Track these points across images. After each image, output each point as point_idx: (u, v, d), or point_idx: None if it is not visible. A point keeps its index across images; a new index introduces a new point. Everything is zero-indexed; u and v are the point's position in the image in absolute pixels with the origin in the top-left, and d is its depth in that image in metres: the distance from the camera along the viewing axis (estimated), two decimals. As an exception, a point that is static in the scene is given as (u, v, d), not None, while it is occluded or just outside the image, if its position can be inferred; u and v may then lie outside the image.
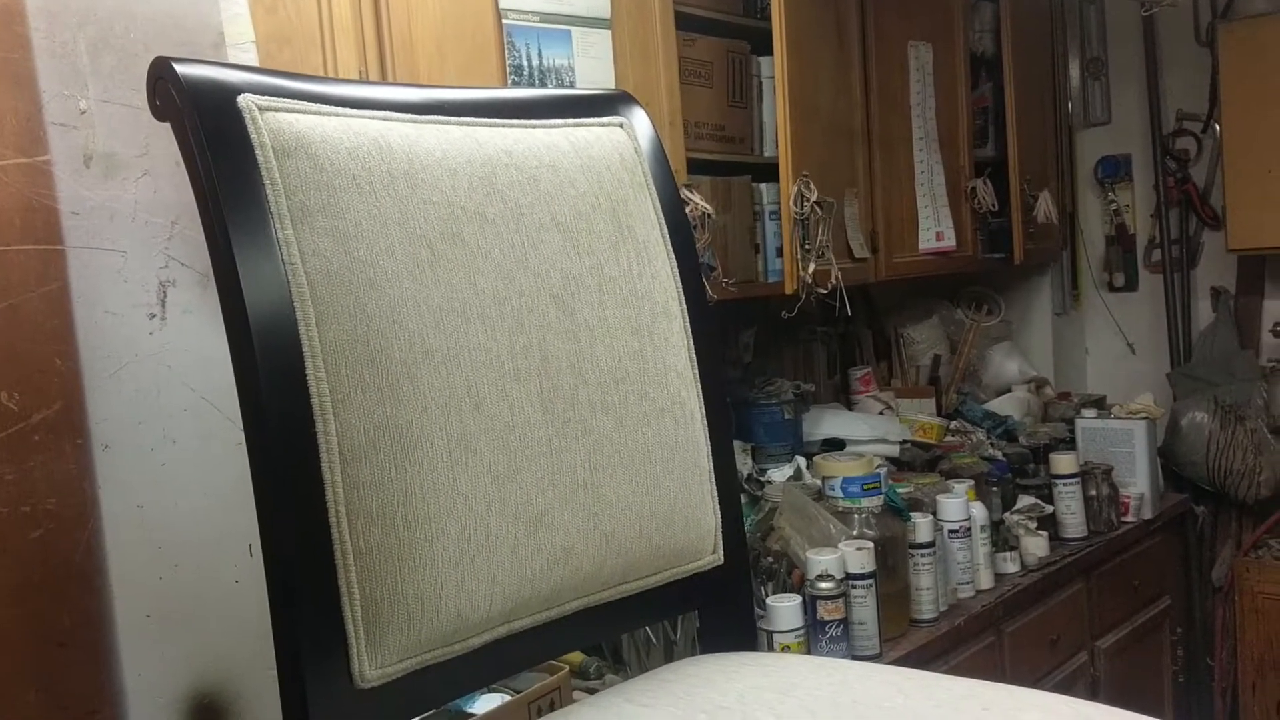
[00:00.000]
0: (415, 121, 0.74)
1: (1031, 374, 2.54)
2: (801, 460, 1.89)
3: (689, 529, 0.82)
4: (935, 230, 2.15)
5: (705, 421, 0.85)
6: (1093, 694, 1.98)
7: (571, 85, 1.43)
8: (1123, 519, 2.12)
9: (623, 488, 0.77)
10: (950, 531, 1.71)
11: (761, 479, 1.83)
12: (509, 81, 1.37)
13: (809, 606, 1.45)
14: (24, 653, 0.87)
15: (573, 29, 1.45)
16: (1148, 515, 2.16)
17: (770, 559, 1.56)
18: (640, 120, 0.90)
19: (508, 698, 1.15)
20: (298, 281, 0.65)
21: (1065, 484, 2.01)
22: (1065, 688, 1.89)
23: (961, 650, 1.66)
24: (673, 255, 0.86)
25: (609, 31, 1.48)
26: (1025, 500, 1.97)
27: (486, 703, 1.15)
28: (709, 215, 1.58)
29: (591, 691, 1.22)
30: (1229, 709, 2.43)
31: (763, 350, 2.18)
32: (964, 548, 1.72)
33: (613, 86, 1.46)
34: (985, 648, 1.73)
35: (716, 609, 0.88)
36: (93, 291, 0.91)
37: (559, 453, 0.73)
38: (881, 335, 2.48)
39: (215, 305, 0.65)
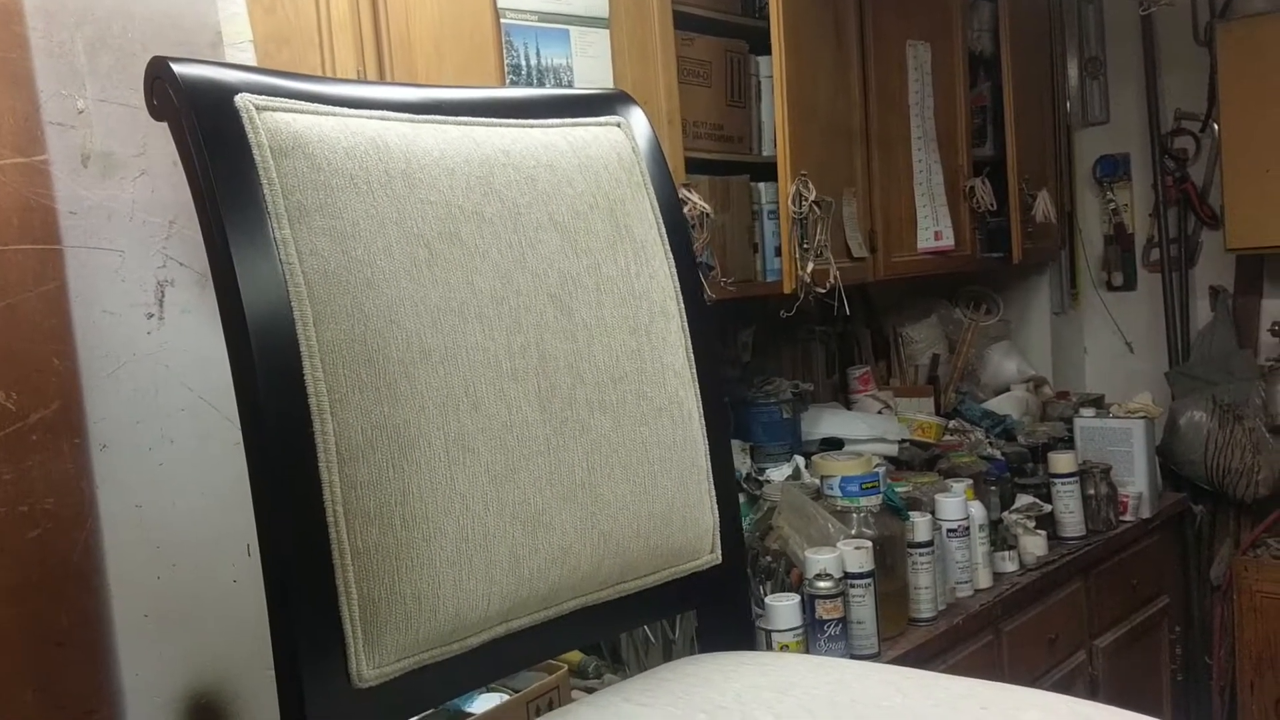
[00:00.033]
0: (413, 121, 0.74)
1: (1030, 373, 2.55)
2: (800, 459, 1.89)
3: (687, 528, 0.82)
4: (934, 230, 2.15)
5: (703, 421, 0.85)
6: (1091, 693, 1.98)
7: (570, 85, 1.43)
8: (1121, 518, 2.12)
9: (620, 487, 0.77)
10: (949, 531, 1.71)
11: (760, 478, 1.83)
12: (507, 81, 1.37)
13: (807, 606, 1.45)
14: (22, 652, 0.87)
15: (571, 28, 1.44)
16: (1146, 514, 2.16)
17: (769, 558, 1.56)
18: (638, 120, 0.90)
19: (506, 697, 1.15)
20: (295, 281, 0.65)
21: (1063, 483, 2.01)
22: (1064, 687, 1.89)
23: (960, 649, 1.67)
24: (670, 255, 0.86)
25: (607, 31, 1.48)
26: (1024, 499, 1.98)
27: (485, 702, 1.15)
28: (707, 214, 1.58)
29: (590, 691, 1.22)
30: (1227, 707, 2.43)
31: (761, 349, 2.18)
32: (962, 547, 1.72)
33: (611, 86, 1.46)
34: (984, 647, 1.73)
35: (714, 608, 0.88)
36: (90, 291, 0.91)
37: (557, 452, 0.73)
38: (880, 334, 2.48)
39: (213, 305, 0.65)
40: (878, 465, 1.81)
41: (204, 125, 0.65)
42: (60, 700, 0.89)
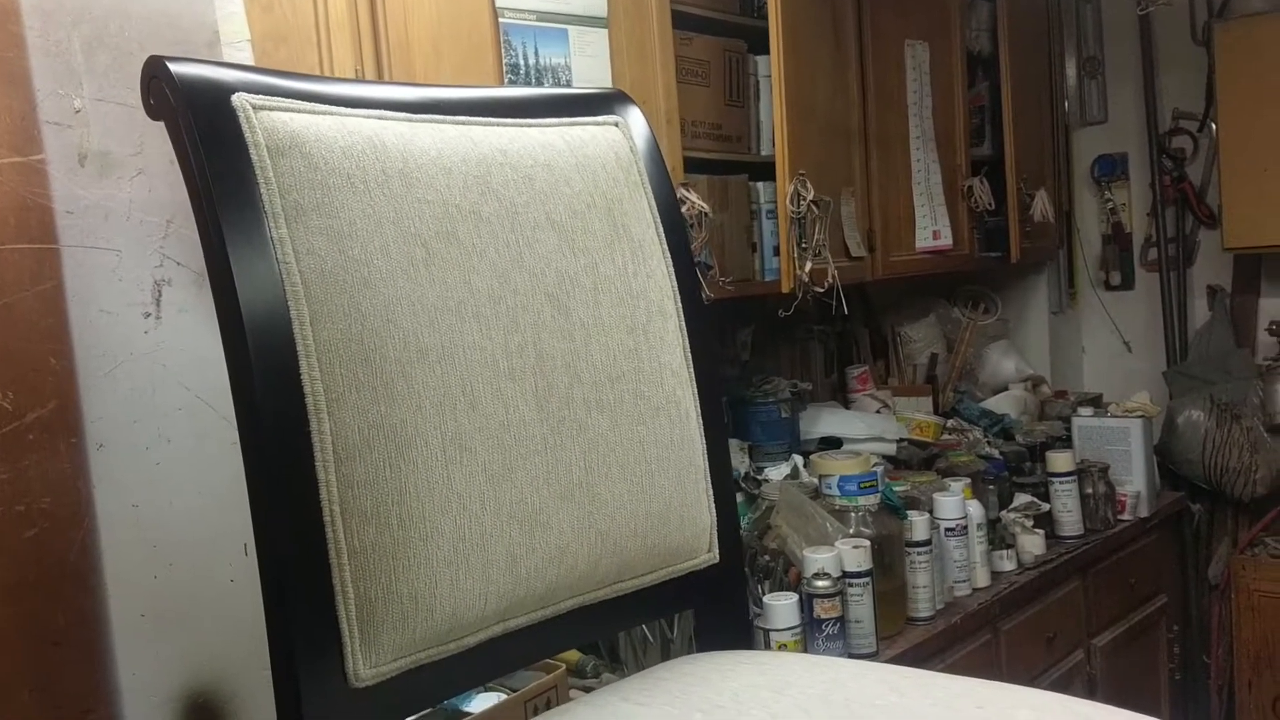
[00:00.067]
0: (410, 120, 0.74)
1: (1028, 372, 2.55)
2: (798, 459, 1.89)
3: (684, 527, 0.82)
4: (932, 229, 2.15)
5: (701, 420, 0.85)
6: (1089, 692, 1.99)
7: (568, 84, 1.43)
8: (1119, 517, 2.12)
9: (618, 486, 0.77)
10: (947, 530, 1.71)
11: (758, 477, 1.83)
12: (505, 80, 1.37)
13: (806, 605, 1.45)
14: (19, 652, 0.87)
15: (569, 28, 1.44)
16: (1144, 513, 2.17)
17: (767, 557, 1.56)
18: (636, 119, 0.90)
19: (504, 696, 1.15)
20: (292, 280, 0.65)
21: (1062, 482, 2.02)
22: (1062, 685, 1.89)
23: (958, 648, 1.67)
24: (668, 254, 0.86)
25: (605, 30, 1.48)
26: (1022, 498, 1.98)
27: (483, 701, 1.15)
28: (706, 214, 1.58)
29: (588, 690, 1.22)
30: (1225, 706, 2.43)
31: (760, 349, 2.18)
32: (960, 546, 1.72)
33: (609, 85, 1.46)
34: (982, 646, 1.73)
35: (712, 607, 0.88)
36: (87, 290, 0.91)
37: (554, 451, 0.73)
38: (878, 334, 2.48)
39: (210, 304, 0.65)
40: (876, 464, 1.81)
41: (201, 124, 0.65)
42: (57, 700, 0.89)
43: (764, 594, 1.47)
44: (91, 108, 0.90)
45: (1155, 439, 2.32)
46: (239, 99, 0.66)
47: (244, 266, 0.64)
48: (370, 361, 0.66)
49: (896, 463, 2.02)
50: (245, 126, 0.66)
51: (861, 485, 1.58)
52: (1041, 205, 2.37)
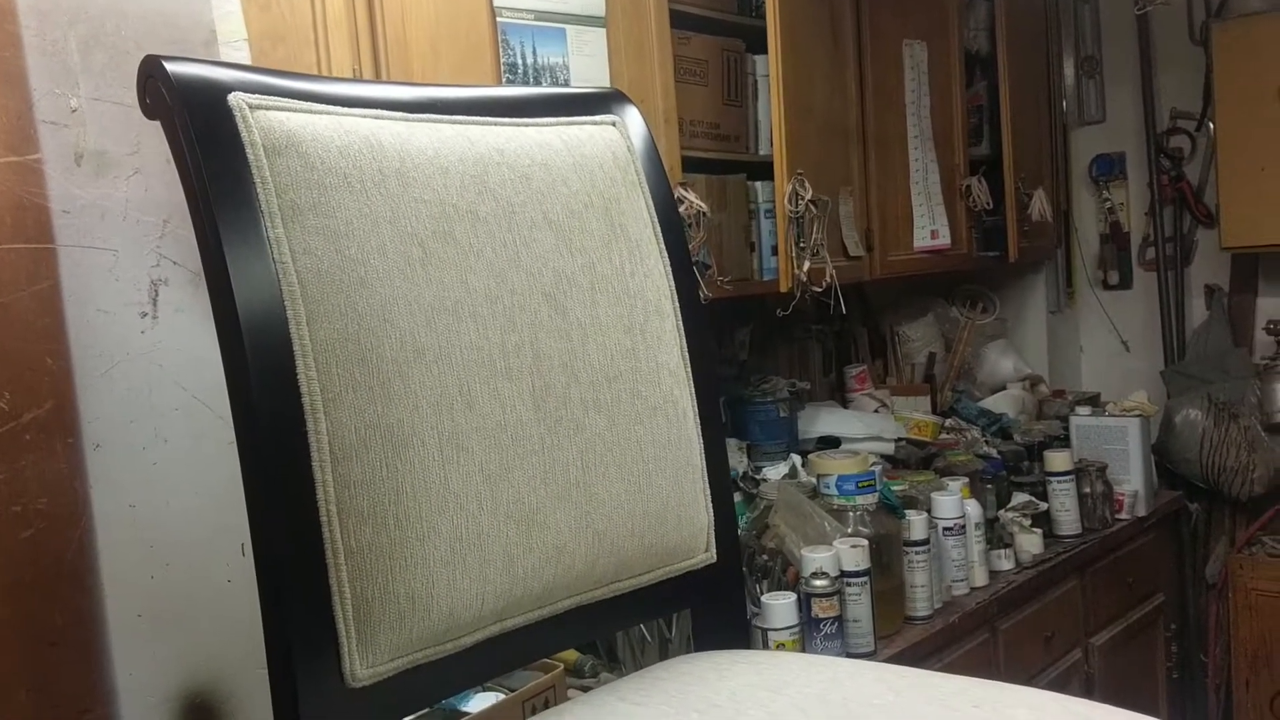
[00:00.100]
0: (407, 120, 0.74)
1: (1026, 372, 2.55)
2: (797, 458, 1.89)
3: (681, 527, 0.82)
4: (930, 228, 2.15)
5: (698, 420, 0.85)
6: (1087, 690, 1.99)
7: (566, 84, 1.43)
8: (1117, 516, 2.12)
9: (615, 486, 0.77)
10: (945, 529, 1.71)
11: (757, 477, 1.83)
12: (503, 80, 1.37)
13: (804, 604, 1.45)
14: (16, 652, 0.87)
15: (567, 27, 1.44)
16: (1142, 512, 2.17)
17: (765, 557, 1.56)
18: (633, 118, 0.90)
19: (502, 696, 1.15)
20: (288, 280, 0.65)
21: (1059, 481, 2.02)
22: (1059, 685, 1.90)
23: (956, 647, 1.67)
24: (665, 253, 0.86)
25: (603, 30, 1.48)
26: (1020, 498, 1.98)
27: (481, 701, 1.15)
28: (704, 213, 1.58)
29: (586, 690, 1.22)
30: (1223, 705, 2.44)
31: (758, 348, 2.18)
32: (958, 545, 1.72)
33: (607, 85, 1.46)
34: (980, 645, 1.73)
35: (710, 607, 0.88)
36: (84, 290, 0.91)
37: (551, 451, 0.73)
38: (877, 333, 2.48)
39: (207, 304, 0.65)
40: (874, 464, 1.81)
41: (197, 124, 0.65)
42: (54, 700, 0.89)
43: (762, 593, 1.47)
44: (88, 107, 0.90)
45: (1153, 438, 2.33)
46: (235, 98, 0.66)
47: (240, 266, 0.64)
48: (367, 361, 0.66)
49: (894, 462, 2.02)
50: (241, 126, 0.66)
51: (859, 485, 1.58)
52: (1039, 205, 2.38)
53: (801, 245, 1.71)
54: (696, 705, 0.69)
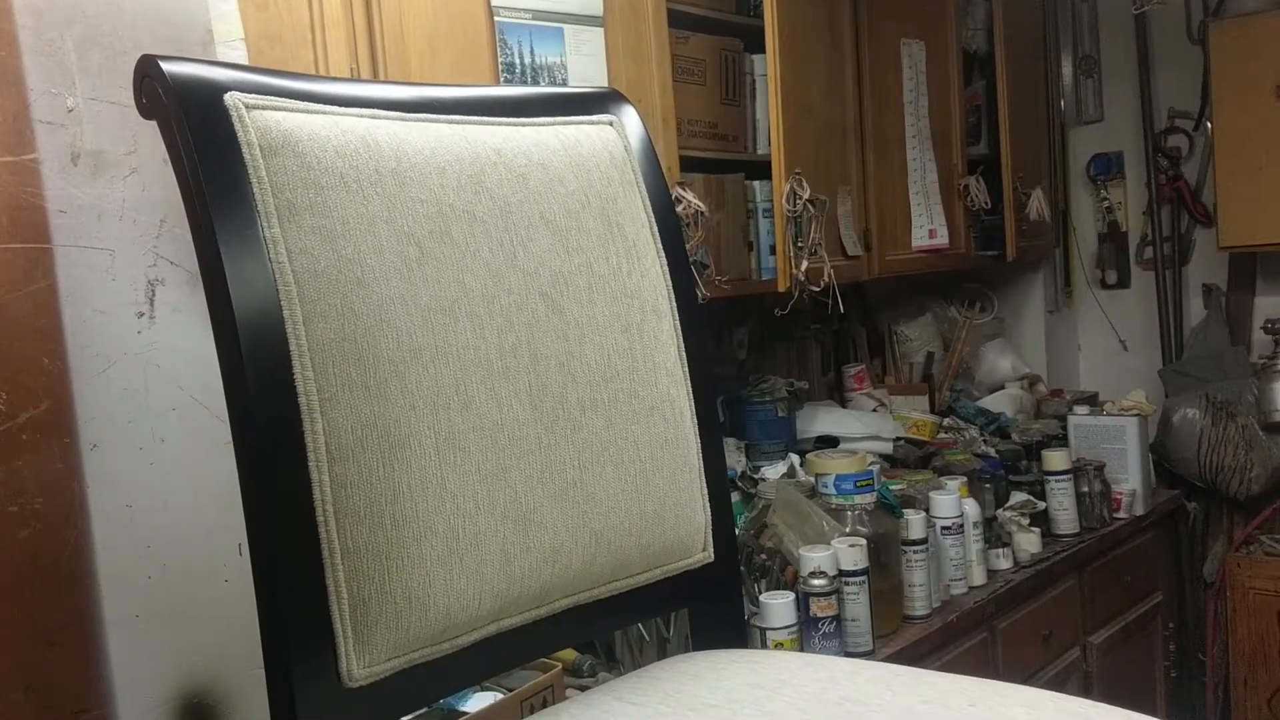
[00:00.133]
0: (403, 119, 0.74)
1: (1024, 371, 2.55)
2: (795, 458, 1.89)
3: (679, 527, 0.82)
4: (928, 228, 2.15)
5: (695, 419, 0.85)
6: (1085, 689, 1.99)
7: (564, 83, 1.43)
8: (1115, 515, 2.13)
9: (612, 486, 0.77)
10: (943, 528, 1.71)
11: (755, 476, 1.83)
12: (501, 79, 1.37)
13: (802, 603, 1.45)
14: (13, 652, 0.87)
15: (565, 27, 1.44)
16: (1140, 511, 2.17)
17: (764, 556, 1.56)
18: (630, 118, 0.90)
19: (501, 696, 1.15)
20: (285, 280, 0.65)
21: (1058, 480, 2.02)
22: (1058, 683, 1.90)
23: (954, 646, 1.67)
24: (662, 253, 0.86)
25: (601, 29, 1.48)
26: (1018, 497, 1.98)
27: (479, 701, 1.15)
28: (702, 213, 1.58)
29: (584, 689, 1.22)
30: (1221, 703, 2.44)
31: (757, 348, 2.18)
32: (957, 544, 1.73)
33: (605, 84, 1.46)
34: (978, 644, 1.73)
35: (707, 606, 0.88)
36: (81, 290, 0.90)
37: (548, 451, 0.73)
38: (875, 332, 2.49)
39: (204, 304, 0.65)
40: (872, 463, 1.81)
41: (193, 124, 0.65)
42: (52, 699, 0.89)
43: (760, 592, 1.47)
44: (85, 107, 0.90)
45: (1151, 437, 2.33)
46: (231, 98, 0.66)
47: (236, 266, 0.64)
48: (363, 361, 0.66)
49: (893, 461, 2.02)
50: (238, 126, 0.66)
51: (858, 484, 1.58)
52: (1037, 204, 2.38)
53: (799, 245, 1.71)
54: (693, 705, 0.69)
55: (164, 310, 0.95)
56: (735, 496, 1.75)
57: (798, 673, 0.73)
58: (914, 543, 1.62)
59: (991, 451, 2.07)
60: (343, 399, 0.65)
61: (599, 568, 0.77)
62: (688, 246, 1.52)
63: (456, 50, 1.33)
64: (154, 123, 0.66)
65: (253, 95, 0.67)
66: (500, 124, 0.80)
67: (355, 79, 1.18)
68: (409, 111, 0.75)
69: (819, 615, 1.44)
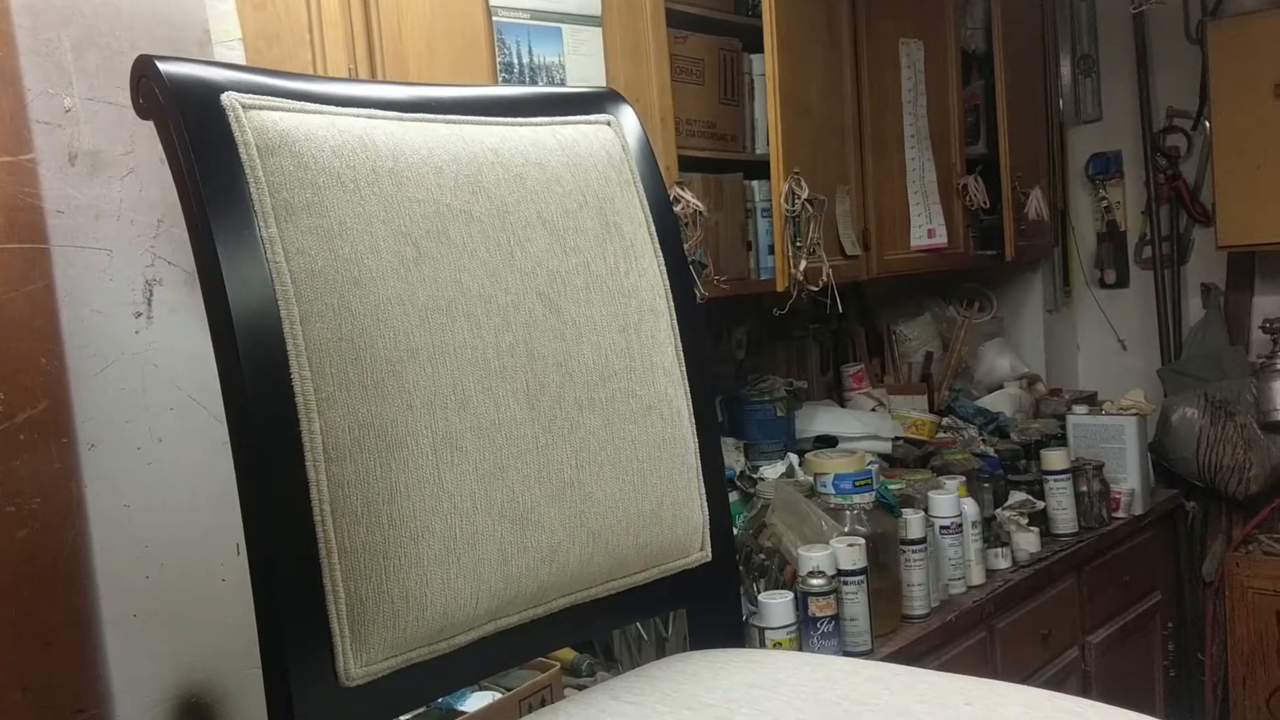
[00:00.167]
0: (400, 119, 0.74)
1: (1023, 370, 2.55)
2: (794, 457, 1.89)
3: (676, 526, 0.82)
4: (927, 227, 2.15)
5: (692, 419, 0.85)
6: (1084, 689, 1.99)
7: (562, 83, 1.43)
8: (1114, 515, 2.13)
9: (610, 485, 0.77)
10: (942, 528, 1.71)
11: (754, 476, 1.83)
12: (499, 79, 1.37)
13: (801, 603, 1.45)
14: (10, 652, 0.87)
15: (563, 26, 1.44)
16: (1138, 511, 2.17)
17: (762, 556, 1.56)
18: (628, 118, 0.90)
19: (499, 695, 1.15)
20: (282, 280, 0.65)
21: (1056, 480, 2.02)
22: (1056, 683, 1.90)
23: (953, 646, 1.67)
24: (660, 253, 0.86)
25: (599, 29, 1.48)
26: (1017, 496, 1.98)
27: (478, 700, 1.15)
28: (700, 213, 1.58)
29: (583, 689, 1.22)
30: (1220, 703, 2.44)
31: (755, 347, 2.18)
32: (955, 544, 1.73)
33: (604, 84, 1.46)
34: (977, 643, 1.73)
35: (705, 606, 0.88)
36: (78, 290, 0.90)
37: (545, 450, 0.73)
38: (874, 332, 2.49)
39: (201, 304, 0.65)
40: (871, 463, 1.81)
41: (190, 124, 0.65)
42: (50, 699, 0.89)
43: (759, 592, 1.47)
44: (82, 107, 0.90)
45: (1150, 437, 2.33)
46: (228, 98, 0.66)
47: (233, 266, 0.64)
48: (360, 361, 0.66)
49: (892, 461, 2.02)
50: (235, 126, 0.66)
51: (856, 483, 1.58)
52: (1036, 203, 2.38)
53: (798, 244, 1.71)
54: (690, 704, 0.69)
55: (161, 310, 0.95)
56: (734, 496, 1.75)
57: (795, 672, 0.73)
58: (912, 542, 1.62)
59: (990, 451, 2.07)
60: (340, 398, 0.65)
61: (596, 567, 0.77)
62: (686, 246, 1.52)
63: (455, 50, 1.33)
64: (151, 123, 0.66)
65: (250, 95, 0.67)
66: (497, 124, 0.80)
67: (353, 79, 1.18)
68: (406, 111, 0.75)
69: (817, 615, 1.45)
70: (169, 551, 0.95)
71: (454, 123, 0.77)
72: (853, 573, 1.48)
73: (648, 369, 0.81)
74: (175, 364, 0.95)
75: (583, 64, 1.46)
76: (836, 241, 1.89)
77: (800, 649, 1.44)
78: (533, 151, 0.80)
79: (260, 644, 0.64)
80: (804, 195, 1.71)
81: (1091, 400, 2.41)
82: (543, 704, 1.13)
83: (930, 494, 1.73)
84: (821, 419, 2.05)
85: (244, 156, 0.65)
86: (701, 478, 0.85)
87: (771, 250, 1.77)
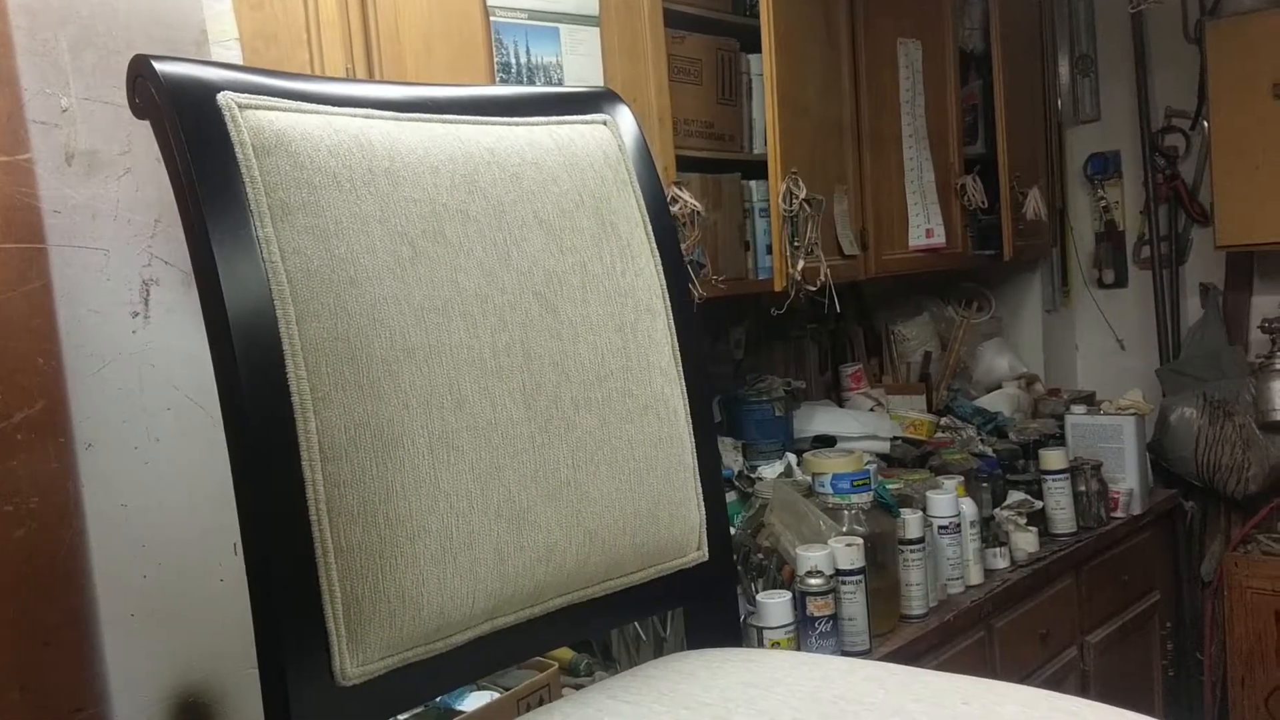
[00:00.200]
0: (397, 119, 0.74)
1: (1022, 370, 2.55)
2: (792, 457, 1.89)
3: (673, 526, 0.82)
4: (925, 227, 2.15)
5: (689, 418, 0.85)
6: (1082, 688, 1.99)
7: (560, 83, 1.43)
8: (1112, 514, 2.13)
9: (606, 485, 0.77)
10: (940, 527, 1.71)
11: (752, 475, 1.83)
12: (497, 79, 1.37)
13: (799, 602, 1.45)
14: (8, 652, 0.87)
15: (561, 26, 1.44)
16: (1137, 510, 2.17)
17: (761, 555, 1.56)
18: (624, 117, 0.90)
19: (497, 695, 1.15)
20: (278, 279, 0.65)
21: (1055, 480, 2.02)
22: (1055, 682, 1.90)
23: (951, 646, 1.67)
24: (656, 252, 0.86)
25: (597, 29, 1.48)
26: (1015, 496, 1.98)
27: (476, 700, 1.16)
28: (698, 213, 1.58)
29: (580, 689, 1.22)
30: (1218, 702, 2.44)
31: (754, 347, 2.19)
32: (953, 544, 1.73)
33: (601, 84, 1.46)
34: (975, 643, 1.73)
35: (702, 606, 0.88)
36: (75, 290, 0.90)
37: (542, 450, 0.73)
38: (872, 332, 2.49)
39: (198, 304, 0.65)
40: (869, 462, 1.81)
41: (186, 123, 0.65)
42: (47, 699, 0.89)
43: (758, 592, 1.47)
44: (79, 107, 0.90)
45: (1148, 436, 2.33)
46: (224, 98, 0.66)
47: (229, 266, 0.64)
48: (356, 360, 0.66)
49: (890, 461, 2.02)
50: (230, 125, 0.66)
51: (855, 483, 1.58)
52: (1034, 203, 2.38)
53: (796, 244, 1.71)
54: (687, 703, 0.69)
55: (159, 310, 0.95)
56: (732, 496, 1.75)
57: (792, 671, 0.73)
58: (911, 542, 1.62)
59: (989, 451, 2.07)
60: (336, 398, 0.65)
61: (593, 567, 0.77)
62: (684, 246, 1.52)
63: (452, 50, 1.33)
64: (148, 122, 0.66)
65: (246, 95, 0.67)
66: (494, 123, 0.80)
67: (349, 79, 1.18)
68: (402, 111, 0.75)
69: (816, 614, 1.45)
70: (166, 551, 0.95)
71: (450, 122, 0.77)
72: (851, 572, 1.48)
73: (644, 368, 0.81)
74: (172, 364, 0.95)
75: (580, 64, 1.46)
76: (834, 241, 1.89)
77: (798, 648, 1.44)
78: (529, 151, 0.80)
79: (257, 643, 0.64)
80: (802, 195, 1.71)
81: (1090, 400, 2.41)
82: (540, 704, 1.13)
83: (928, 494, 1.74)
84: (820, 419, 2.05)
85: (240, 156, 0.65)
86: (698, 477, 0.85)
87: (769, 250, 1.78)
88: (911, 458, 2.03)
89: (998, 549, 1.86)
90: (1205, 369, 2.50)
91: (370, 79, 1.22)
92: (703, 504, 0.85)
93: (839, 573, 1.48)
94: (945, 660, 1.64)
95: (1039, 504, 2.00)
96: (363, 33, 1.24)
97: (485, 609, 0.71)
